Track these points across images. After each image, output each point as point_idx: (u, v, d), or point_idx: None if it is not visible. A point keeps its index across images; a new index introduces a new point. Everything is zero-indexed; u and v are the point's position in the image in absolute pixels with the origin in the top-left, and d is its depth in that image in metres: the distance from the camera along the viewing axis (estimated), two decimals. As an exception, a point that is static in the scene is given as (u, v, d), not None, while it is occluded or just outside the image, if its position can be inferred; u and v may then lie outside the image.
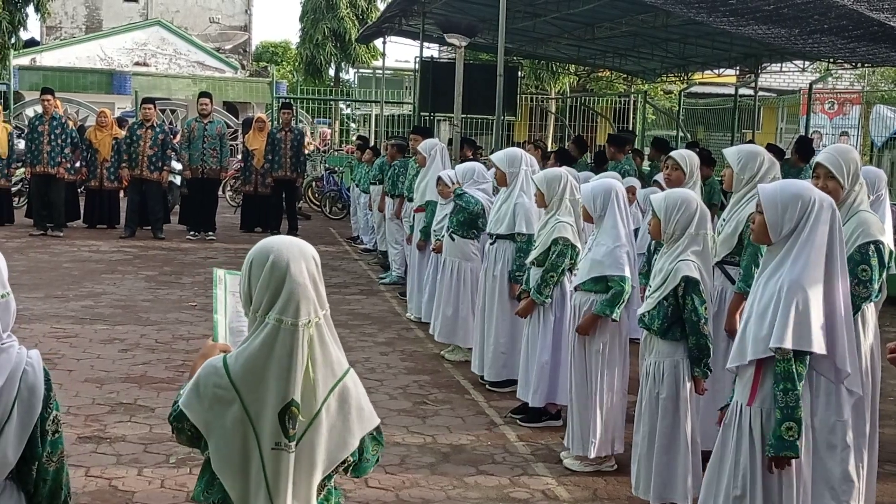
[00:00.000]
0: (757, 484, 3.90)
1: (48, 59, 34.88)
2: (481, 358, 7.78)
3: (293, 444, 2.65)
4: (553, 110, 29.25)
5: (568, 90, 29.75)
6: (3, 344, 2.67)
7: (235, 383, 2.65)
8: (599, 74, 29.27)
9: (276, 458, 2.66)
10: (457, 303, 8.58)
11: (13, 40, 28.89)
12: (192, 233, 15.87)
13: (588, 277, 5.84)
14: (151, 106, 16.03)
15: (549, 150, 17.11)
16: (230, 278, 3.21)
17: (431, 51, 21.54)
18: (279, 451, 2.65)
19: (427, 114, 20.01)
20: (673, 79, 24.27)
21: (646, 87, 27.36)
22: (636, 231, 7.55)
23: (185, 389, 2.77)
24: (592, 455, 5.89)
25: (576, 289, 6.04)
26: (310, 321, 2.65)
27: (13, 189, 17.18)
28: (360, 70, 34.53)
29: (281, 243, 2.74)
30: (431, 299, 9.34)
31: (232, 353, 2.73)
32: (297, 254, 2.71)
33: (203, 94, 16.33)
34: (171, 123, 25.02)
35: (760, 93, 22.61)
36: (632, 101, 27.33)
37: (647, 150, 18.78)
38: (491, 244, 7.75)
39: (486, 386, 7.74)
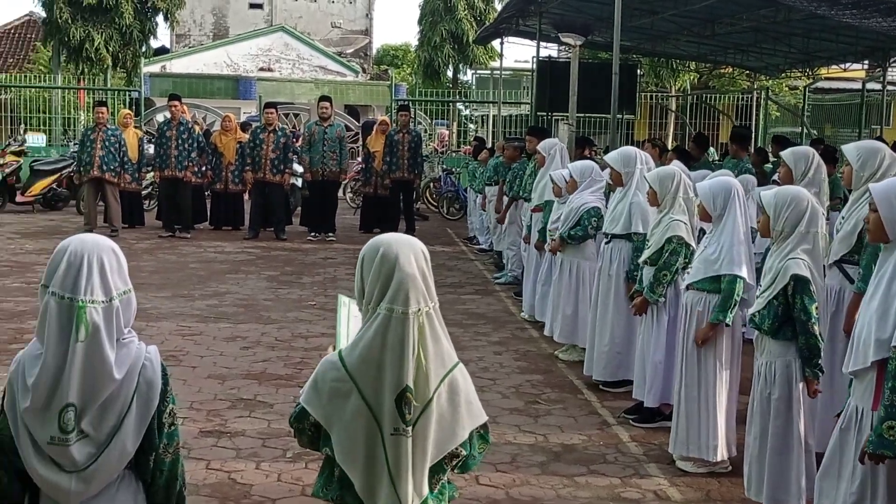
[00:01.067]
0: (878, 490, 3.79)
1: (177, 66, 35.99)
2: (591, 358, 7.75)
3: (410, 428, 2.72)
4: (673, 108, 28.83)
5: (688, 87, 29.27)
6: (123, 339, 2.81)
7: (352, 374, 2.73)
8: (721, 71, 28.73)
9: (396, 444, 2.72)
10: (576, 303, 8.56)
11: (144, 49, 29.93)
12: (312, 234, 16.18)
13: (702, 276, 5.77)
14: (273, 110, 16.39)
15: (667, 148, 16.88)
16: (354, 304, 3.33)
17: (549, 50, 21.52)
18: (398, 437, 2.72)
19: (544, 113, 19.97)
20: (797, 74, 23.65)
21: (769, 84, 26.74)
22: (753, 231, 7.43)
23: (304, 388, 2.86)
24: (719, 458, 5.80)
25: (688, 287, 5.96)
26: (419, 310, 2.72)
27: (143, 192, 17.79)
28: (478, 71, 34.63)
29: (390, 238, 2.84)
30: (544, 299, 9.34)
31: (346, 347, 2.81)
32: (406, 246, 2.79)
33: (323, 98, 16.63)
34: (293, 127, 25.53)
35: (890, 87, 21.86)
36: (754, 98, 26.74)
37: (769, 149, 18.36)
38: (606, 244, 7.71)
39: (600, 386, 7.70)
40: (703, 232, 6.43)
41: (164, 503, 2.95)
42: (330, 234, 16.15)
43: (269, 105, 16.94)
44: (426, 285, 2.77)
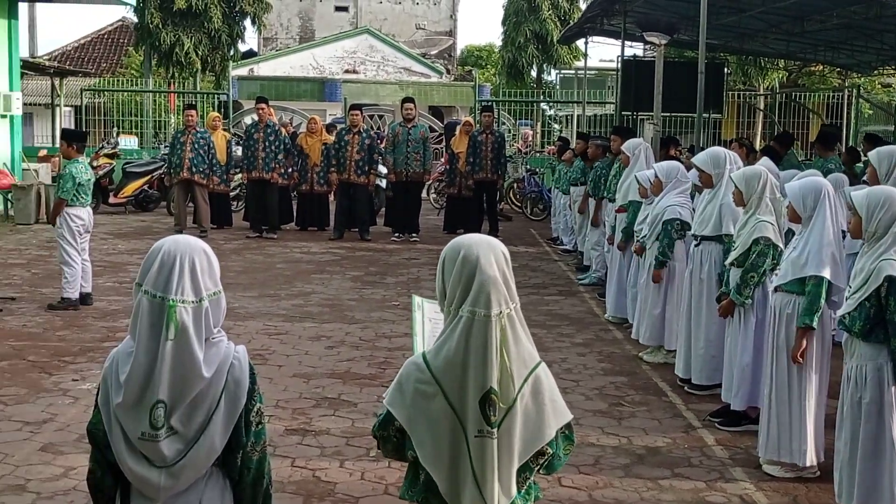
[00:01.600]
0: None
1: (264, 69, 36.54)
2: (687, 361, 7.66)
3: (495, 430, 2.72)
4: (761, 107, 28.35)
5: (777, 86, 28.76)
6: (213, 338, 2.88)
7: (437, 376, 2.74)
8: (811, 69, 28.16)
9: (481, 445, 2.73)
10: (664, 304, 8.48)
11: (232, 52, 30.46)
12: (396, 234, 16.28)
13: (791, 278, 5.66)
14: (358, 112, 16.53)
15: (755, 148, 16.61)
16: (428, 305, 3.34)
17: (634, 49, 21.34)
18: (483, 438, 2.72)
19: (629, 113, 19.81)
20: (890, 71, 23.07)
21: (861, 81, 26.13)
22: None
23: (388, 390, 2.88)
24: (808, 463, 5.69)
25: (776, 289, 5.85)
26: (501, 312, 2.72)
27: (231, 193, 18.10)
28: (562, 71, 34.51)
29: (471, 239, 2.84)
30: (633, 301, 9.26)
31: (431, 349, 2.82)
32: (487, 248, 2.79)
33: (407, 100, 16.72)
34: (378, 128, 25.72)
35: None
36: (846, 96, 26.16)
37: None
38: (696, 246, 7.61)
39: (686, 388, 7.62)
40: (791, 233, 6.31)
41: (251, 500, 3.00)
42: (414, 235, 16.23)
43: (354, 107, 17.10)
44: (507, 287, 2.77)
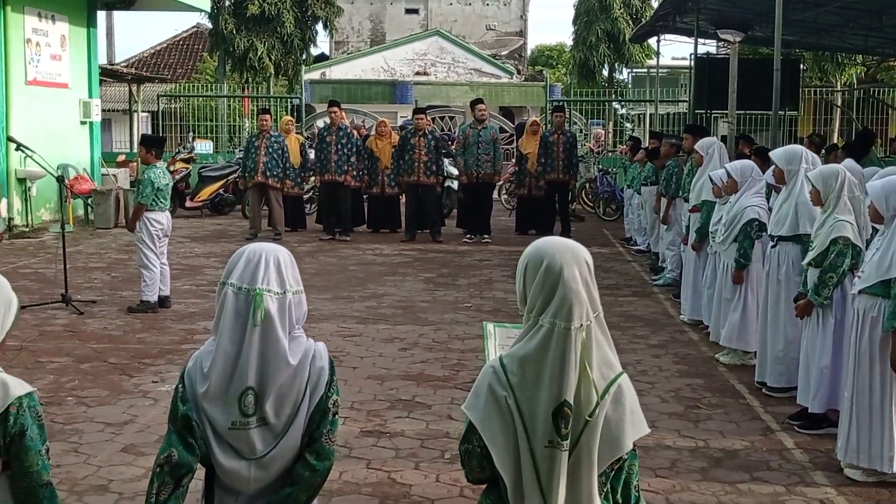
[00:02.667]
0: None
1: (336, 72, 36.85)
2: (763, 363, 7.56)
3: (565, 442, 2.69)
4: (839, 103, 27.83)
5: (855, 82, 28.20)
6: (294, 334, 2.97)
7: (511, 381, 2.72)
8: (890, 64, 27.55)
9: (550, 457, 2.69)
10: (742, 306, 8.36)
11: (304, 56, 30.79)
12: (468, 236, 16.29)
13: (875, 281, 5.52)
14: (423, 115, 16.56)
15: (829, 144, 16.30)
16: (500, 331, 3.33)
17: (707, 47, 21.10)
18: (553, 449, 2.69)
19: (703, 111, 19.59)
20: (975, 64, 22.50)
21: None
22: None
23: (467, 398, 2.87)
24: (894, 469, 5.57)
25: (860, 292, 5.71)
26: (582, 325, 2.68)
27: (305, 196, 18.29)
28: (634, 70, 34.26)
29: (555, 247, 2.77)
30: (710, 302, 9.14)
31: (508, 353, 2.80)
32: (571, 258, 2.74)
33: (477, 101, 16.72)
34: (449, 130, 25.79)
35: None
36: (927, 91, 25.57)
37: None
38: (773, 247, 7.49)
39: (764, 390, 7.51)
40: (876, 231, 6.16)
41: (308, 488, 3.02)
42: (485, 236, 16.22)
43: (418, 110, 17.11)
44: (590, 297, 2.72)
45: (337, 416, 3.02)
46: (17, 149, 10.42)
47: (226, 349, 2.87)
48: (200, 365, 2.94)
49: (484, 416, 2.76)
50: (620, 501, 2.82)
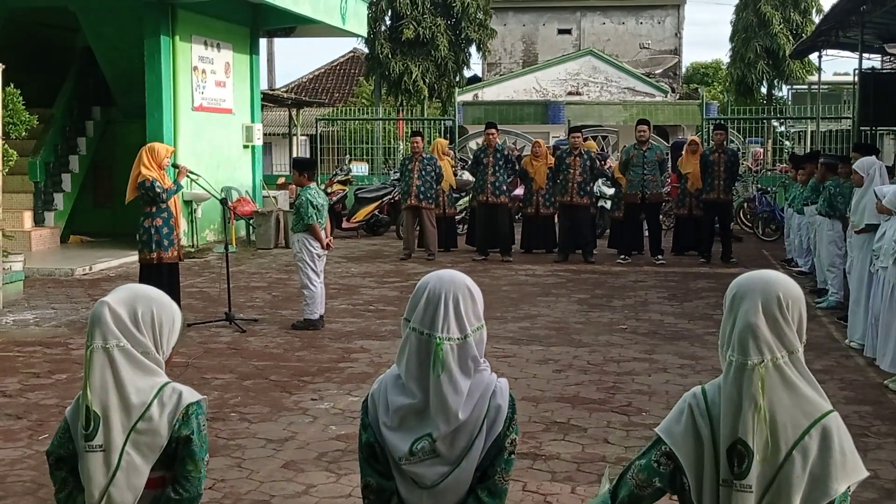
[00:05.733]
0: None
1: (488, 93, 37.08)
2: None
3: (740, 482, 2.62)
4: None
5: None
6: (479, 368, 2.96)
7: (711, 413, 2.70)
8: None
9: (727, 496, 2.64)
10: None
11: (458, 79, 31.13)
12: (622, 256, 16.10)
13: None
14: (579, 134, 16.48)
15: None
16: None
17: (872, 62, 20.31)
18: (728, 489, 2.64)
19: (868, 128, 18.88)
20: None
21: None
22: None
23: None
24: None
25: None
26: (763, 361, 2.61)
27: (457, 217, 18.46)
28: (794, 86, 33.30)
29: (749, 279, 2.74)
30: (877, 325, 8.78)
31: (711, 382, 2.77)
32: (758, 290, 2.69)
33: (641, 122, 16.51)
34: (602, 150, 25.59)
35: None
36: None
37: None
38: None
39: (937, 420, 7.16)
40: None
41: None
42: (660, 257, 15.95)
43: (574, 129, 17.04)
44: (777, 333, 2.63)
45: (513, 456, 3.00)
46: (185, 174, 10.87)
47: (412, 392, 2.91)
48: (385, 393, 2.97)
49: (680, 442, 2.72)
50: None
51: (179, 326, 3.21)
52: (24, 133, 12.83)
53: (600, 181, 17.53)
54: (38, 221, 17.23)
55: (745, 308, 2.64)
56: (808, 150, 22.19)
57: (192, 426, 3.09)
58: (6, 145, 12.00)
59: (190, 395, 3.12)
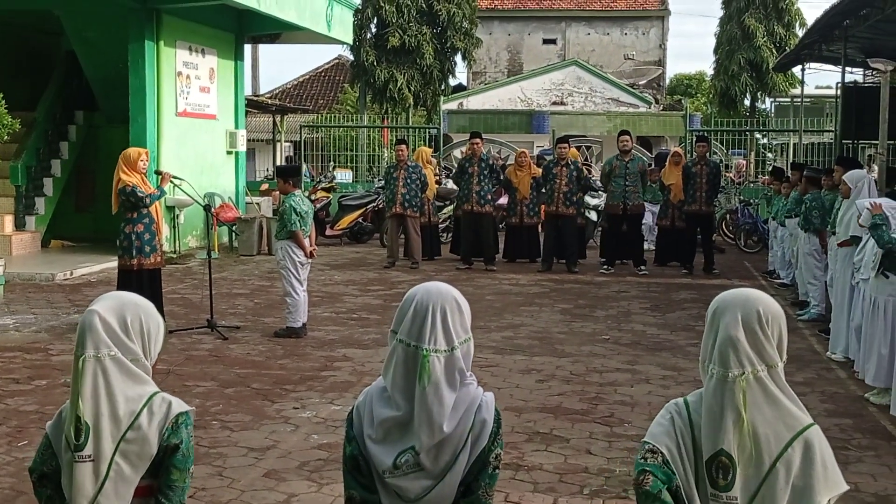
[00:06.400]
0: None
1: (473, 102, 37.10)
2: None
3: (725, 494, 2.64)
4: None
5: None
6: (465, 382, 2.95)
7: (693, 421, 2.72)
8: None
9: None
10: (892, 343, 8.04)
11: (443, 87, 31.17)
12: (605, 266, 16.12)
13: None
14: (566, 144, 16.49)
15: None
16: None
17: (854, 75, 20.43)
18: (714, 501, 2.67)
19: (850, 141, 18.99)
20: None
21: None
22: None
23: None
24: None
25: None
26: (744, 373, 2.64)
27: (441, 226, 18.45)
28: (777, 99, 33.49)
29: (730, 294, 2.83)
30: (858, 338, 8.82)
31: (693, 394, 2.80)
32: (738, 305, 2.75)
33: (623, 132, 16.53)
34: (586, 160, 25.65)
35: None
36: None
37: None
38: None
39: (918, 434, 7.18)
40: None
41: None
42: (642, 267, 15.95)
43: (561, 140, 17.09)
44: (757, 347, 2.68)
45: (497, 470, 2.98)
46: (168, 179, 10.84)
47: (398, 403, 2.89)
48: (370, 406, 2.95)
49: (666, 441, 2.74)
50: None
51: (163, 334, 3.21)
52: (6, 137, 12.76)
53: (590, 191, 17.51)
54: (20, 226, 17.14)
55: (726, 322, 2.68)
56: (791, 162, 22.31)
57: (182, 436, 3.09)
58: (-12, 149, 11.91)
59: (179, 405, 3.13)
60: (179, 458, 3.08)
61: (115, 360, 3.04)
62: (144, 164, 10.55)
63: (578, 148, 24.89)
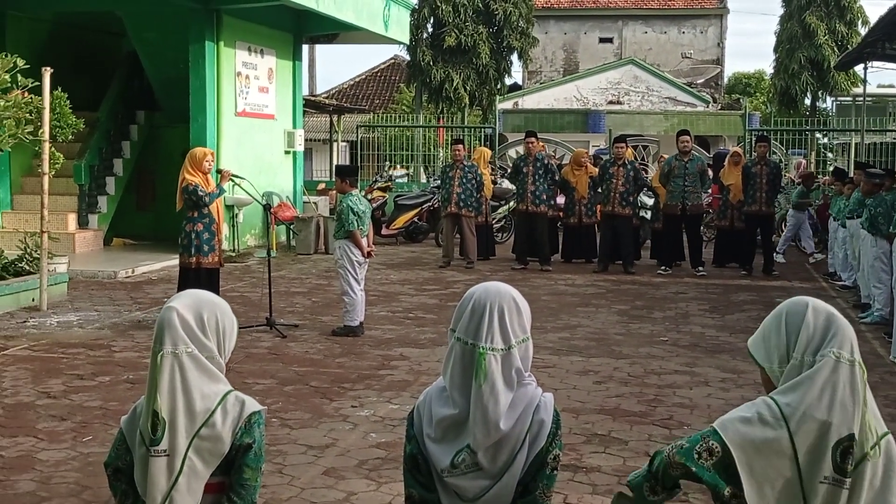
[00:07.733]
0: None
1: (529, 101, 37.04)
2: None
3: (848, 480, 2.63)
4: None
5: None
6: (524, 382, 2.94)
7: (785, 414, 2.67)
8: None
9: (828, 493, 2.64)
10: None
11: (498, 86, 31.14)
12: (662, 267, 16.00)
13: None
14: (623, 144, 16.41)
15: None
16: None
17: (919, 74, 20.14)
18: (830, 486, 2.65)
19: (914, 141, 18.68)
20: None
21: None
22: None
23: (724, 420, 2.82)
24: None
25: None
26: (855, 360, 2.68)
27: (497, 225, 18.43)
28: (839, 98, 33.01)
29: (814, 301, 2.83)
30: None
31: (779, 391, 2.75)
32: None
33: (682, 132, 16.33)
34: (643, 159, 25.48)
35: None
36: None
37: None
38: None
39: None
40: None
41: None
42: (700, 269, 15.80)
43: (618, 139, 17.00)
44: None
45: (556, 472, 2.96)
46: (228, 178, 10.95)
47: (456, 401, 2.89)
48: (430, 405, 2.96)
49: (744, 444, 2.70)
50: None
51: (237, 332, 3.25)
52: (70, 136, 12.97)
53: (645, 191, 17.41)
54: (82, 224, 17.42)
55: (835, 311, 2.78)
56: (854, 162, 21.96)
57: (254, 435, 3.12)
58: (52, 148, 12.13)
59: (252, 404, 3.17)
60: (252, 458, 3.11)
61: (192, 357, 3.08)
62: (210, 164, 10.71)
63: (635, 147, 24.77)
